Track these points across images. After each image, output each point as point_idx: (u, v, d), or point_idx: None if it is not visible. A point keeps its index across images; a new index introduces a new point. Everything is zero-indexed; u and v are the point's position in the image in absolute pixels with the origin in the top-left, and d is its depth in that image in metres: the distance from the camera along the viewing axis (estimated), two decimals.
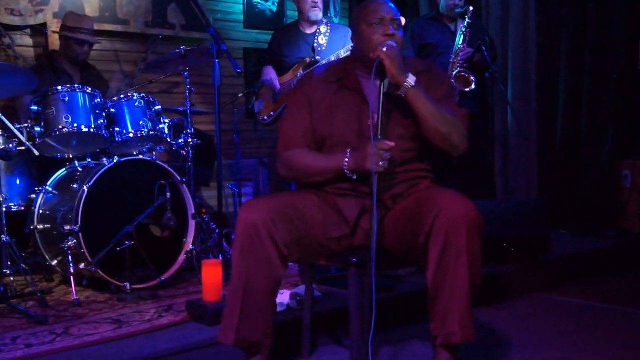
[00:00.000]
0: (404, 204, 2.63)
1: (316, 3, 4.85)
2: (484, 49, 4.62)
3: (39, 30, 5.42)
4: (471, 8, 4.80)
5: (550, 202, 5.07)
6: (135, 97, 4.11)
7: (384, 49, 2.56)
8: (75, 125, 3.85)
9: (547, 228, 4.41)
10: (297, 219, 2.54)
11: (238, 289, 2.48)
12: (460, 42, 4.75)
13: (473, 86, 4.63)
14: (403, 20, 2.76)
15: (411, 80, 2.56)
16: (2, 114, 3.66)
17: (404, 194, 2.67)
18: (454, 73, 4.66)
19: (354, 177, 2.61)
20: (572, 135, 5.89)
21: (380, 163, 2.48)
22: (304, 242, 2.57)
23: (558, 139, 5.94)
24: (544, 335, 3.36)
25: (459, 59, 4.73)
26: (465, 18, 4.77)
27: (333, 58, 4.66)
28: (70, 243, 3.63)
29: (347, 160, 2.59)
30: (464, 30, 4.77)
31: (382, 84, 2.58)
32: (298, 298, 3.22)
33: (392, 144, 2.50)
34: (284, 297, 3.24)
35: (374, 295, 2.38)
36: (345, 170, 2.60)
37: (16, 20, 5.28)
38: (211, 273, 3.18)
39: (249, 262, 2.45)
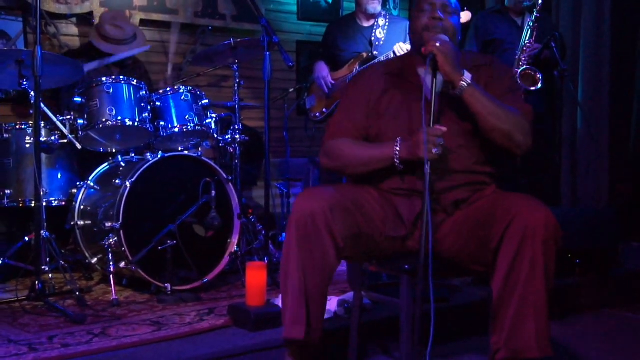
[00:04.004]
0: (471, 209, 2.59)
1: None
2: (552, 45, 4.55)
3: (85, 19, 5.52)
4: (540, 1, 4.71)
5: (621, 211, 4.96)
6: (181, 90, 4.16)
7: (437, 44, 2.52)
8: (120, 118, 3.92)
9: (618, 239, 4.31)
10: (357, 212, 2.53)
11: (299, 281, 2.43)
12: (527, 38, 4.68)
13: (540, 84, 4.55)
14: (467, 15, 2.73)
15: (467, 77, 2.53)
16: (45, 106, 3.76)
17: (467, 199, 2.64)
18: (519, 70, 4.59)
19: (401, 167, 2.57)
20: None
21: (434, 150, 2.44)
22: (361, 237, 2.55)
23: (632, 142, 5.81)
24: (610, 353, 3.29)
25: (525, 55, 4.65)
26: (533, 12, 4.69)
27: (392, 53, 4.64)
28: (110, 240, 3.69)
29: (397, 148, 2.57)
30: (531, 25, 4.68)
31: (435, 79, 2.55)
32: (346, 305, 3.21)
33: (444, 128, 2.46)
34: (331, 303, 3.22)
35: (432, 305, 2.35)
36: (395, 160, 2.57)
37: (62, 9, 5.38)
38: (256, 276, 3.21)
39: (304, 252, 2.42)
